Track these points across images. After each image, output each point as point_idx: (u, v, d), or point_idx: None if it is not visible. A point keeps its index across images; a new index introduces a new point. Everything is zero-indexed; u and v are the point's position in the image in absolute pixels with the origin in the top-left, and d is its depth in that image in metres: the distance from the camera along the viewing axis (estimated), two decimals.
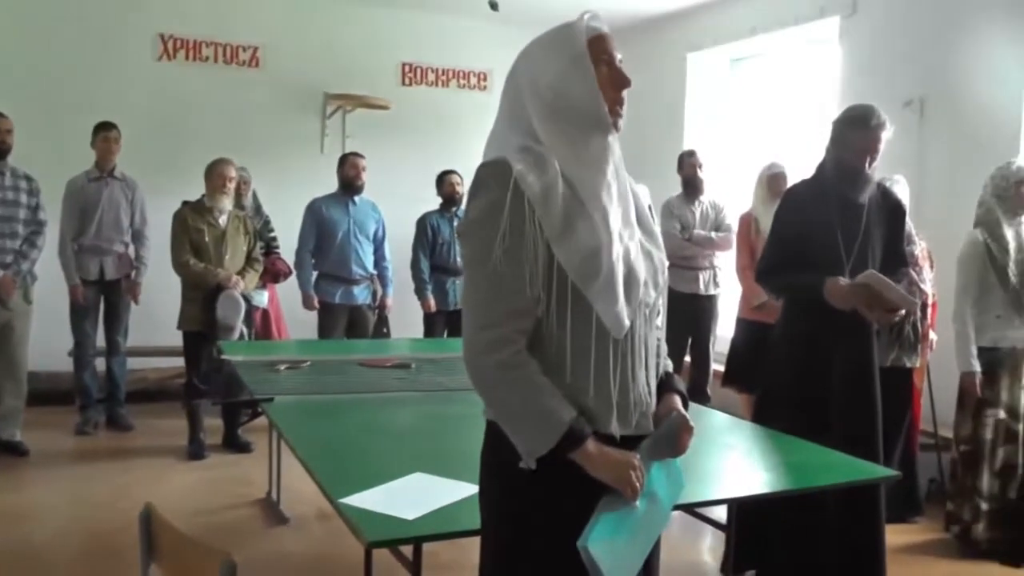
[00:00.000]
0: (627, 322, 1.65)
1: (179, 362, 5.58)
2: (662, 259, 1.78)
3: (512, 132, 1.69)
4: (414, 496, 2.16)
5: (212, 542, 1.70)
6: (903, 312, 3.31)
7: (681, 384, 1.84)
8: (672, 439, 1.71)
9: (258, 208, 5.97)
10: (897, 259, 3.48)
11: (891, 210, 3.48)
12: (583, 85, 1.66)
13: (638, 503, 1.62)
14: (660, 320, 1.84)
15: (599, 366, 1.63)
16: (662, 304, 1.83)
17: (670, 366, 1.87)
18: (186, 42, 6.93)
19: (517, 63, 1.74)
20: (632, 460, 1.61)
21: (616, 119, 1.69)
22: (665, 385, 1.80)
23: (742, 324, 5.34)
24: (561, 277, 1.61)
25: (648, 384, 1.72)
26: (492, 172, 1.63)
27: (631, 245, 1.69)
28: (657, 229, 1.86)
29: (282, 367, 3.91)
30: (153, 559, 1.88)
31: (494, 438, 1.69)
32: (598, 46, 1.68)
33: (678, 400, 1.78)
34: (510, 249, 1.59)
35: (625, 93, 1.70)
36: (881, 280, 3.17)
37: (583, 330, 1.62)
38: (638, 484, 1.60)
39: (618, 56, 1.70)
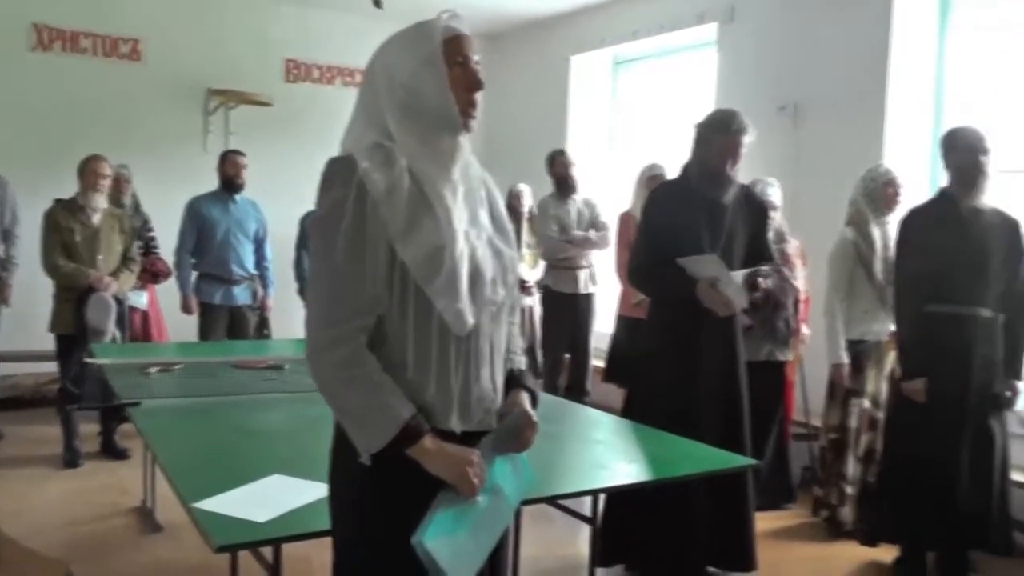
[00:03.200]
0: (470, 320, 1.66)
1: (55, 367, 5.37)
2: (513, 257, 1.79)
3: (366, 127, 1.69)
4: (270, 498, 2.13)
5: (80, 554, 1.64)
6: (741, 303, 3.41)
7: (530, 380, 1.86)
8: (515, 435, 1.73)
9: (137, 207, 5.79)
10: (761, 257, 3.61)
11: (755, 210, 3.61)
12: (434, 85, 1.66)
13: (479, 498, 1.63)
14: (515, 316, 1.86)
15: (441, 363, 1.64)
16: (516, 301, 1.85)
17: (522, 363, 1.89)
18: (63, 33, 6.67)
19: (374, 58, 1.73)
20: (470, 456, 1.62)
21: (467, 120, 1.70)
22: (514, 381, 1.82)
23: (623, 321, 5.45)
24: (404, 275, 1.62)
25: (493, 381, 1.74)
26: (338, 169, 1.64)
27: (478, 244, 1.70)
28: (511, 227, 1.87)
29: (153, 370, 3.81)
30: None
31: (340, 435, 1.70)
32: (453, 46, 1.68)
33: (525, 396, 1.80)
34: (352, 246, 1.59)
35: (479, 95, 1.71)
36: (725, 279, 3.29)
37: (425, 328, 1.63)
38: (476, 480, 1.62)
39: (474, 57, 1.71)
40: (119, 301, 5.08)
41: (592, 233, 5.95)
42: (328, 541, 1.79)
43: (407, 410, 1.59)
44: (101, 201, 5.13)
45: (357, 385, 1.60)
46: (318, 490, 2.12)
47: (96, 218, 5.12)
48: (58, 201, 5.15)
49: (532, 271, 6.07)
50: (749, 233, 3.54)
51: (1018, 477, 3.89)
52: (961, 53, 5.01)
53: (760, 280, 3.45)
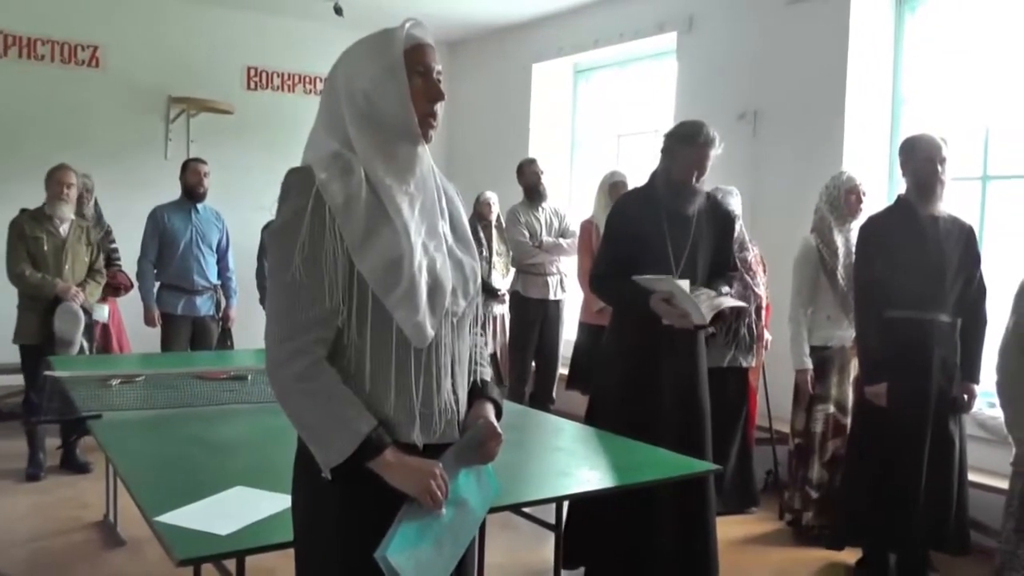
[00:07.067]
0: (430, 332, 1.65)
1: (20, 379, 5.27)
2: (474, 267, 1.79)
3: (327, 135, 1.68)
4: (232, 510, 2.12)
5: (42, 570, 1.61)
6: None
7: (495, 391, 1.84)
8: (478, 446, 1.72)
9: (99, 218, 5.71)
10: (726, 266, 3.61)
11: (720, 219, 3.58)
12: (395, 94, 1.65)
13: (443, 511, 1.62)
14: (479, 327, 1.86)
15: (400, 375, 1.64)
16: (479, 311, 1.84)
17: (487, 374, 1.88)
18: (19, 39, 6.59)
19: (336, 65, 1.72)
20: (433, 469, 1.61)
21: (427, 130, 1.69)
22: (478, 393, 1.81)
23: (584, 328, 5.49)
24: (362, 287, 1.61)
25: (455, 393, 1.72)
26: (295, 180, 1.63)
27: (437, 256, 1.69)
28: (473, 238, 1.87)
29: (115, 382, 3.76)
30: None
31: (302, 448, 1.68)
32: (415, 56, 1.67)
33: (489, 407, 1.79)
34: (310, 258, 1.58)
35: (439, 106, 1.70)
36: (681, 295, 3.24)
37: (384, 340, 1.63)
38: (439, 493, 1.60)
39: (436, 68, 1.70)
40: (86, 312, 5.03)
41: (563, 240, 6.02)
42: (292, 552, 1.78)
43: (367, 424, 1.58)
44: (68, 211, 5.10)
45: (316, 398, 1.59)
46: (281, 502, 2.11)
47: (64, 228, 5.08)
48: (24, 211, 5.11)
49: (503, 279, 6.10)
50: (714, 244, 3.52)
51: (974, 478, 3.96)
52: (918, 62, 5.11)
53: (726, 310, 3.36)
